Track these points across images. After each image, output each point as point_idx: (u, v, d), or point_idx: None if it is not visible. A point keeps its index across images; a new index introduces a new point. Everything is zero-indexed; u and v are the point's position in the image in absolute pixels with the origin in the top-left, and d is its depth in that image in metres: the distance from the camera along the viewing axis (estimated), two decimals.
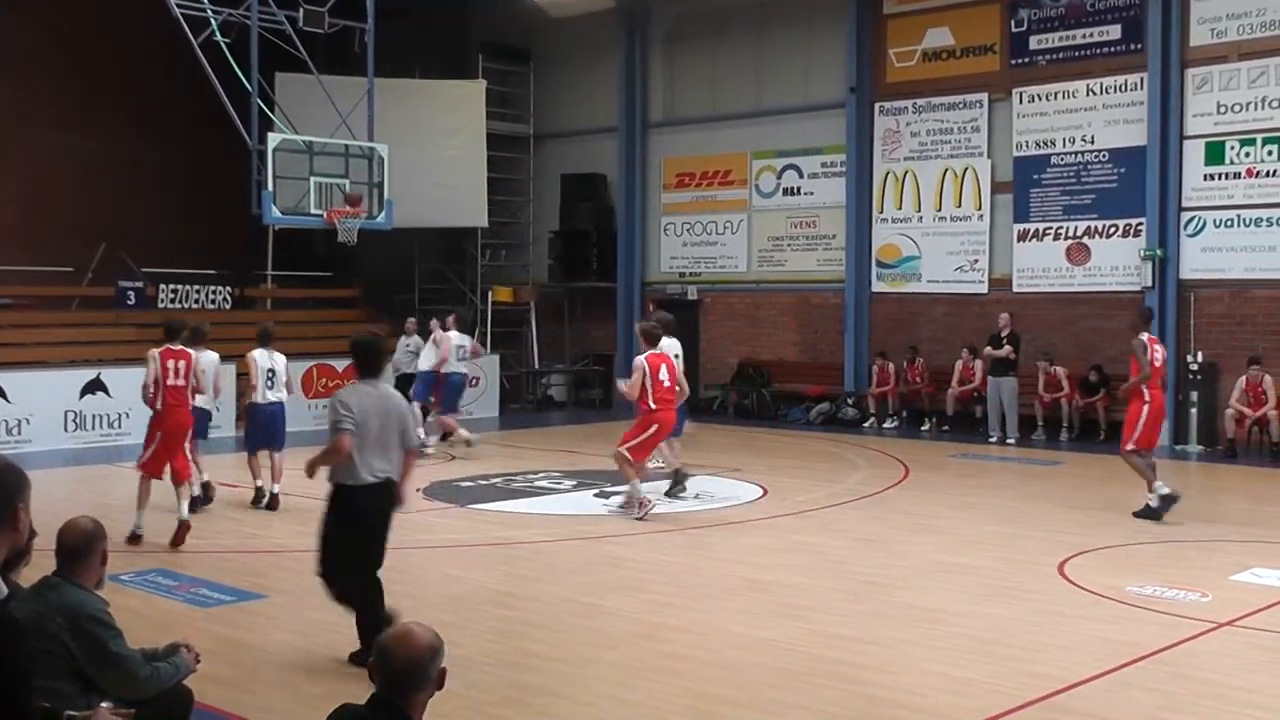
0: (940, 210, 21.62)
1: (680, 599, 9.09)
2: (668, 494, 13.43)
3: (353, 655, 7.21)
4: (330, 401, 7.74)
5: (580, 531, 11.80)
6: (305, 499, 13.55)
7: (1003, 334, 19.09)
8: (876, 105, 22.26)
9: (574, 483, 14.74)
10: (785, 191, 23.52)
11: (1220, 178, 18.86)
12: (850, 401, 21.60)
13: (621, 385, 13.37)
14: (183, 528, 10.75)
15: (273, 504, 12.81)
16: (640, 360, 12.55)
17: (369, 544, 7.38)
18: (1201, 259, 18.98)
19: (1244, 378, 17.43)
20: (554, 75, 26.46)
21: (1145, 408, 12.48)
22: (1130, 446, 12.51)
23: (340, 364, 20.65)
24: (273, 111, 18.70)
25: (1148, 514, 12.26)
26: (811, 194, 23.17)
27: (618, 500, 12.94)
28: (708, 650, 7.66)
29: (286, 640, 7.96)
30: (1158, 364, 12.68)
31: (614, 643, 7.97)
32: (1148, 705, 6.75)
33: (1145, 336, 12.70)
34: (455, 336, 17.50)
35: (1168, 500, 12.25)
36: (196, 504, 11.98)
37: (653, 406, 12.43)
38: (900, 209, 22.06)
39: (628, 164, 25.17)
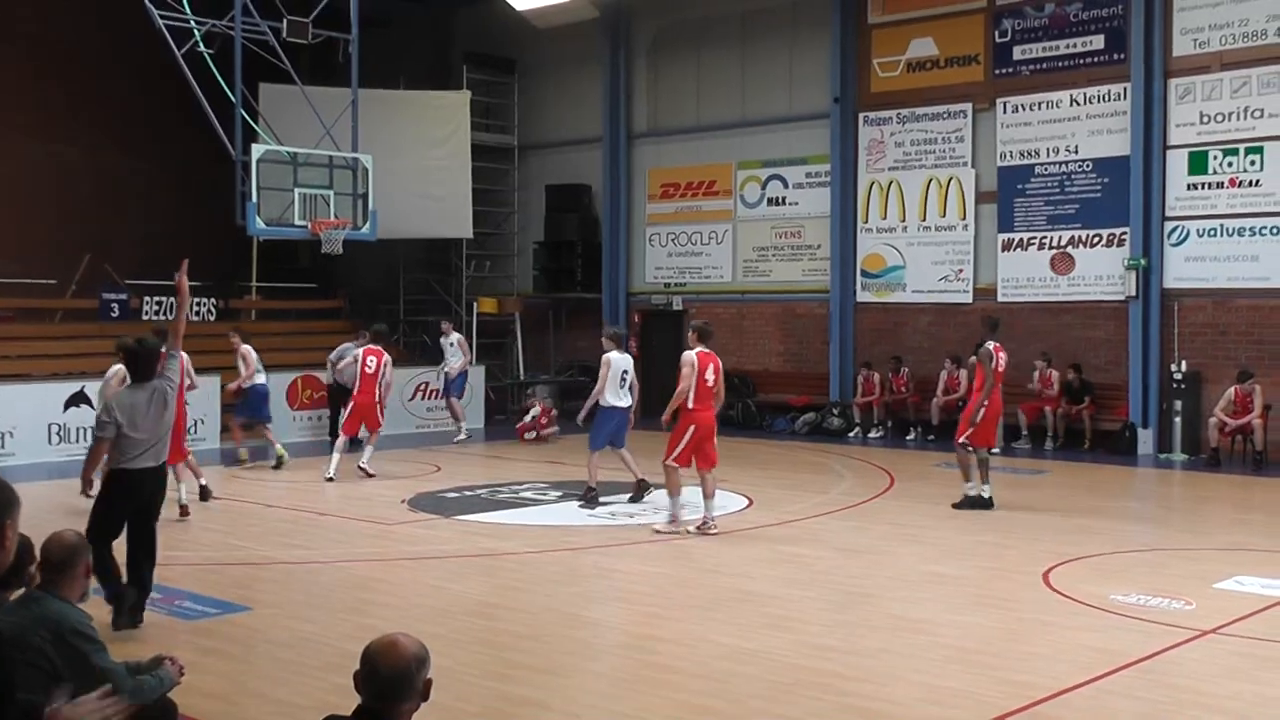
0: (925, 220, 21.68)
1: (666, 610, 9.08)
2: (631, 500, 13.90)
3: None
4: (102, 404, 9.03)
5: (566, 542, 11.79)
6: (291, 510, 13.53)
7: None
8: (861, 115, 22.32)
9: (559, 493, 14.72)
10: (770, 202, 23.57)
11: (1203, 187, 18.95)
12: (835, 411, 21.62)
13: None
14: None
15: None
16: (690, 355, 12.05)
17: (140, 520, 8.42)
18: (1185, 268, 19.07)
19: (1234, 389, 17.45)
20: (539, 86, 26.49)
21: (983, 410, 13.24)
22: (963, 439, 13.36)
23: (325, 375, 20.59)
24: (256, 122, 18.68)
25: (966, 504, 13.32)
26: (796, 204, 23.22)
27: (664, 520, 12.34)
28: (694, 661, 7.65)
29: (271, 652, 7.93)
30: (1001, 369, 13.51)
31: (600, 654, 7.97)
32: (1131, 714, 6.77)
33: (991, 344, 13.43)
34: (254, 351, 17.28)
35: (974, 502, 13.29)
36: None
37: (690, 406, 12.04)
38: (885, 219, 22.12)
39: (612, 175, 25.19)
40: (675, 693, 7.03)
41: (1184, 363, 18.67)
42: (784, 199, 23.41)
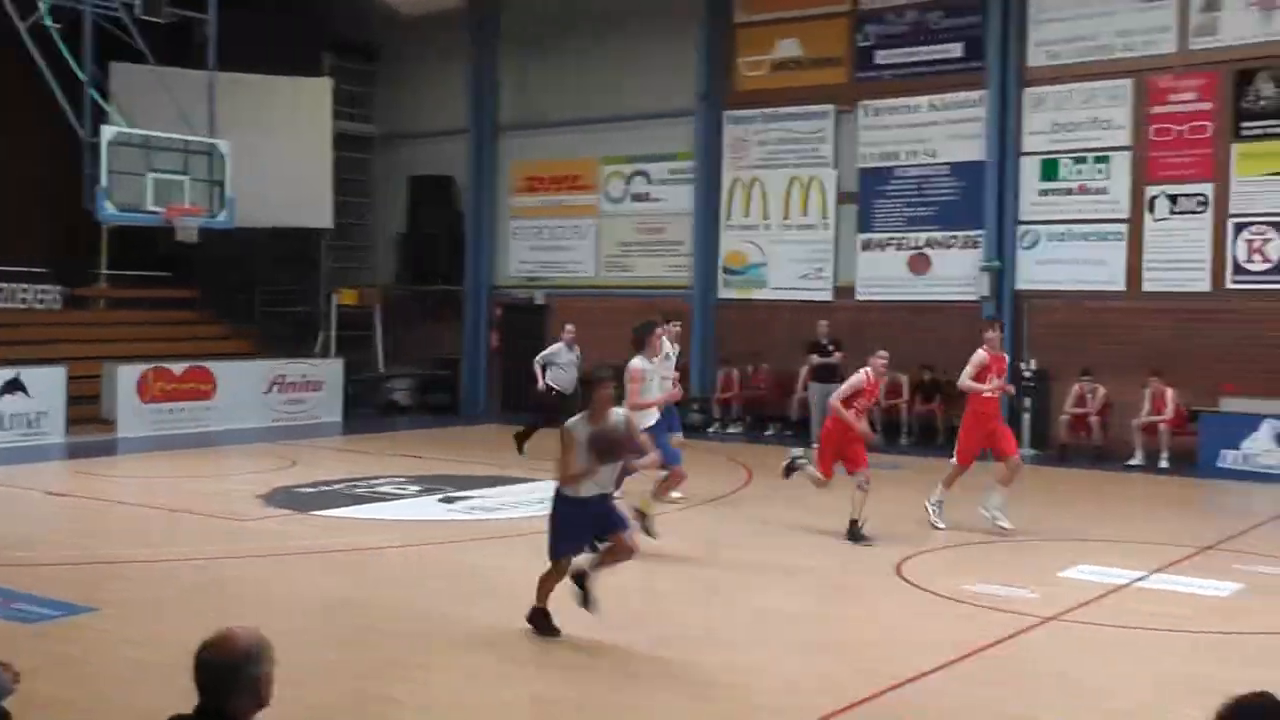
0: (787, 219, 21.98)
1: (525, 605, 9.01)
2: None
3: None
4: None
5: (426, 537, 11.65)
6: (141, 507, 13.13)
7: (825, 341, 19.53)
8: (726, 113, 22.52)
9: (419, 488, 14.55)
10: (634, 197, 23.64)
11: (1054, 193, 19.59)
12: (695, 407, 21.75)
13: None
14: None
15: None
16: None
17: None
18: (1036, 271, 19.69)
19: (1078, 385, 18.17)
20: (403, 75, 26.14)
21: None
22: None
23: (178, 367, 20.06)
24: (107, 103, 18.07)
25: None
26: (660, 200, 23.33)
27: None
28: (550, 655, 7.63)
29: (119, 654, 7.66)
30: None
31: (456, 648, 7.88)
32: (982, 698, 6.95)
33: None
34: None
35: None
36: None
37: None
38: (747, 216, 22.36)
39: (476, 167, 25.00)
40: (530, 686, 7.02)
41: (1033, 361, 19.26)
42: (648, 195, 23.50)
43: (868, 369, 11.94)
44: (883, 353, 12.19)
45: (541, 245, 24.71)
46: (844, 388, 12.00)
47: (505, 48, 24.95)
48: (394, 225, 26.05)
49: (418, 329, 25.88)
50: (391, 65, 26.28)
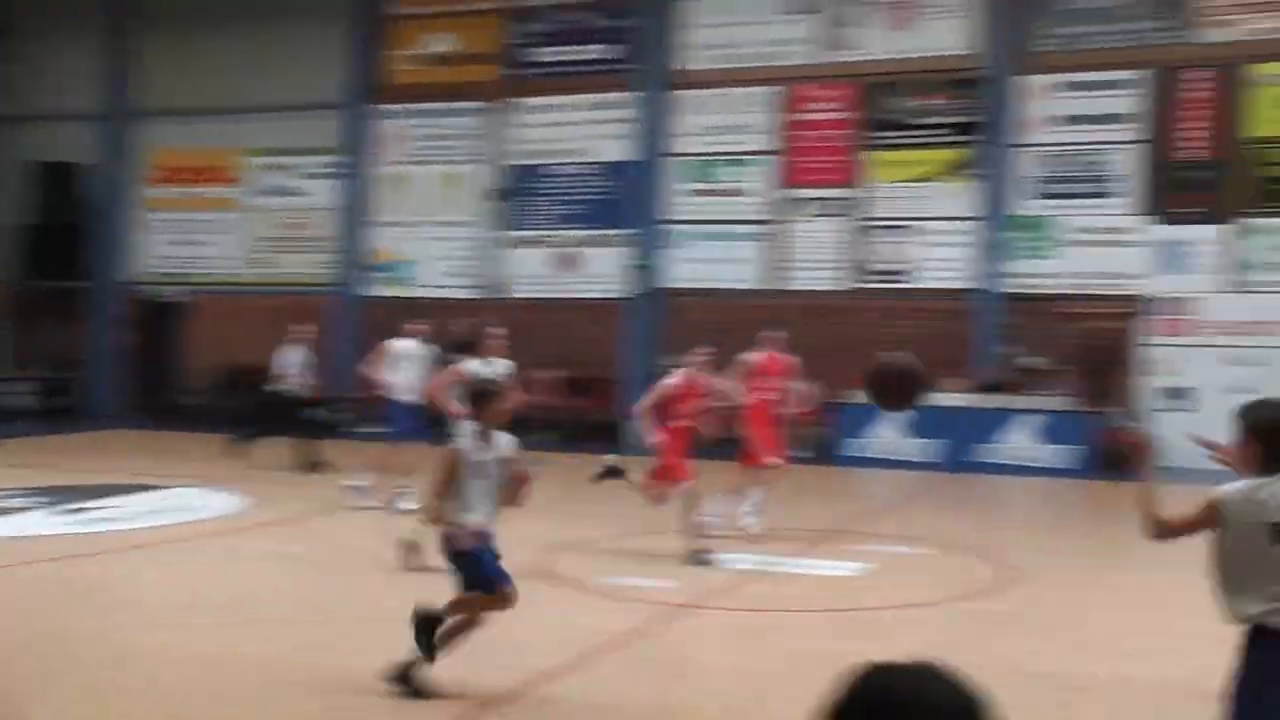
0: (436, 215, 21.73)
1: (156, 618, 8.43)
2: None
3: None
4: None
5: (40, 554, 10.70)
6: None
7: (461, 340, 19.44)
8: (376, 107, 22.05)
9: (33, 500, 13.37)
10: (279, 192, 22.80)
11: (701, 194, 20.23)
12: (338, 406, 21.10)
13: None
14: None
15: None
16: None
17: None
18: (683, 269, 20.26)
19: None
20: (29, 52, 24.22)
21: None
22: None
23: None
24: None
25: None
26: (306, 195, 22.62)
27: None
28: (183, 669, 7.12)
29: None
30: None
31: (81, 668, 7.23)
32: (612, 689, 6.96)
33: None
34: None
35: None
36: None
37: None
38: (396, 213, 21.97)
39: (109, 154, 23.49)
40: (163, 704, 6.52)
41: (678, 357, 19.78)
42: (294, 189, 22.73)
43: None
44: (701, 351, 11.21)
45: (180, 239, 23.47)
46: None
47: (145, 30, 23.52)
48: (14, 214, 24.07)
49: (41, 328, 24.01)
50: (16, 42, 24.30)
